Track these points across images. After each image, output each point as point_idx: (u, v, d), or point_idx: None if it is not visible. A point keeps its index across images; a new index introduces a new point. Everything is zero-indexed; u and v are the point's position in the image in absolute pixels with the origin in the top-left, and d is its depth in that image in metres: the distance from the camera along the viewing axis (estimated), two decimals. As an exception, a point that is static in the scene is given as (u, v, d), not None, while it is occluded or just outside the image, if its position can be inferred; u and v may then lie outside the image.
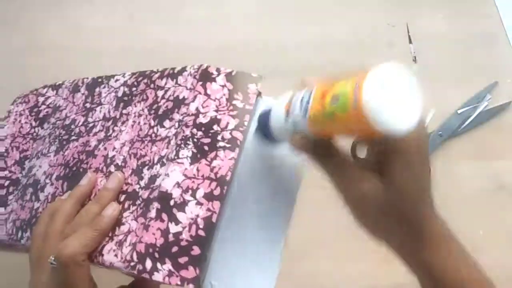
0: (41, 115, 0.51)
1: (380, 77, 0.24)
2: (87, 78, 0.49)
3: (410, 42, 0.65)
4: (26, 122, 0.51)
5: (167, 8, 0.65)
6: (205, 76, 0.39)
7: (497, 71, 0.65)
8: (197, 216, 0.33)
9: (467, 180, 0.61)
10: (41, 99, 0.52)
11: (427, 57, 0.65)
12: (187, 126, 0.37)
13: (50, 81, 0.62)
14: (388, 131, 0.25)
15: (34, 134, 0.50)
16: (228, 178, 0.34)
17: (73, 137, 0.45)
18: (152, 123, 0.41)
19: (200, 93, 0.38)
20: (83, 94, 0.48)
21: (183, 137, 0.36)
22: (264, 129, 0.36)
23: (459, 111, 0.63)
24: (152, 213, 0.34)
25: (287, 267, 0.61)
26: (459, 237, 0.64)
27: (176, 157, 0.36)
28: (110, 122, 0.44)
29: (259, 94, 0.38)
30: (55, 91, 0.52)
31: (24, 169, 0.49)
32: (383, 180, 0.30)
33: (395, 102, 0.25)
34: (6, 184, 0.49)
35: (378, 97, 0.24)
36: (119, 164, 0.41)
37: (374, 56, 0.64)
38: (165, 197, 0.34)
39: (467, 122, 0.62)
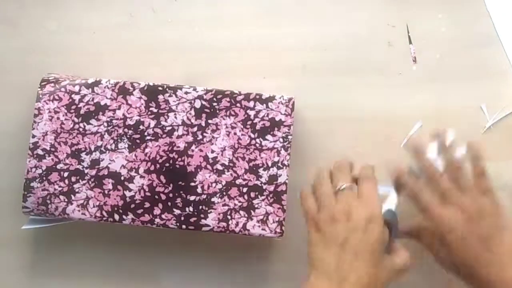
0: (82, 111, 0.57)
1: None
2: (132, 82, 0.58)
3: (410, 42, 0.65)
4: (66, 119, 0.57)
5: (167, 8, 0.65)
6: (294, 107, 0.57)
7: (497, 71, 0.65)
8: None
9: (467, 180, 0.61)
10: (76, 96, 0.57)
11: (427, 57, 0.65)
12: (289, 142, 0.56)
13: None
14: None
15: (81, 129, 0.57)
16: None
17: (149, 137, 0.56)
18: (252, 135, 0.56)
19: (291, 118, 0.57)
20: (140, 98, 0.57)
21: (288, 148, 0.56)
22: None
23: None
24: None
25: (288, 267, 0.61)
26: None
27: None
28: (196, 128, 0.56)
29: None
30: (89, 89, 0.57)
31: (83, 161, 0.56)
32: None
33: None
34: (65, 175, 0.56)
35: None
36: (226, 164, 0.56)
37: (374, 57, 0.64)
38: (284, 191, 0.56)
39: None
